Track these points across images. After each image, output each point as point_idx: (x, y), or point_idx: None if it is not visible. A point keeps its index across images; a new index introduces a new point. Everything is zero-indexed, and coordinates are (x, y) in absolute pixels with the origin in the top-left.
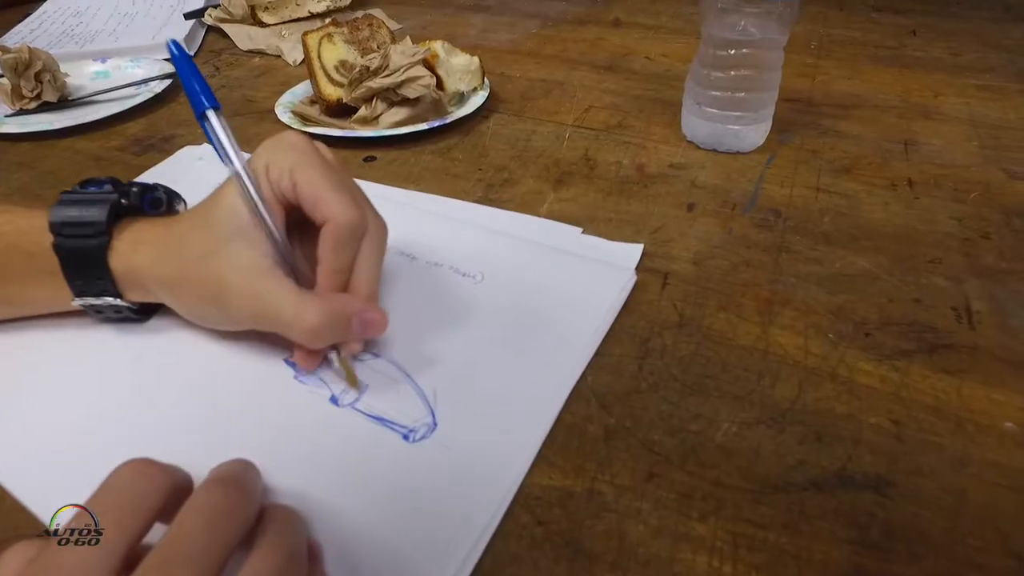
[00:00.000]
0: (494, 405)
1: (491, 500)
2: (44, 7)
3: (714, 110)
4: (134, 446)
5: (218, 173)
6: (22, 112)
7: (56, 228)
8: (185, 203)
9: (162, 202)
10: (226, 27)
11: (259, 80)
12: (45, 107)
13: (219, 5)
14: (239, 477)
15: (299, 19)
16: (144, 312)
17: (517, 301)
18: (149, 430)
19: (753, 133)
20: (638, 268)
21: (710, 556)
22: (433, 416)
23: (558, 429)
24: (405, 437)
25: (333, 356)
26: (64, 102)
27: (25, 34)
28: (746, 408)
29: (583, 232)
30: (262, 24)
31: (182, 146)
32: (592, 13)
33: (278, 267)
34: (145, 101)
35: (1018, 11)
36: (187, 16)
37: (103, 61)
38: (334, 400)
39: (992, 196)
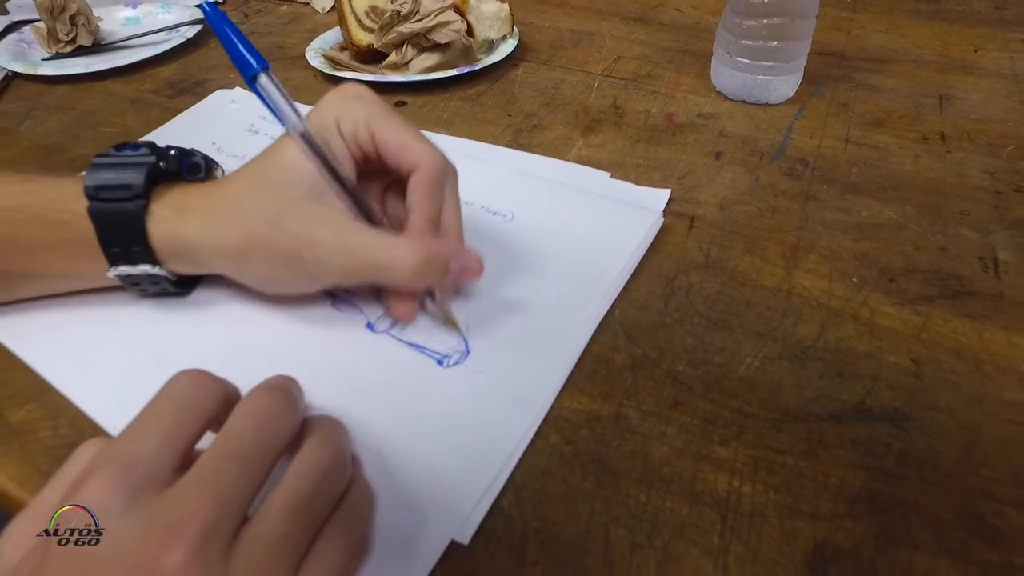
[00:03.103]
0: (525, 334)
1: (523, 420)
2: None
3: (745, 60)
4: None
5: (252, 115)
6: (58, 56)
7: (91, 192)
8: (223, 170)
9: (200, 168)
10: None
11: (288, 27)
12: (80, 51)
13: None
14: (284, 386)
15: None
16: (183, 285)
17: (547, 238)
18: (195, 351)
19: (783, 84)
20: (665, 212)
21: (731, 476)
22: (466, 344)
23: (586, 358)
24: (439, 362)
25: (429, 303)
26: (98, 46)
27: None
28: (769, 344)
29: (611, 176)
30: None
31: (214, 89)
32: None
33: (359, 220)
34: (177, 46)
35: None
36: None
37: (134, 7)
38: (370, 327)
39: None
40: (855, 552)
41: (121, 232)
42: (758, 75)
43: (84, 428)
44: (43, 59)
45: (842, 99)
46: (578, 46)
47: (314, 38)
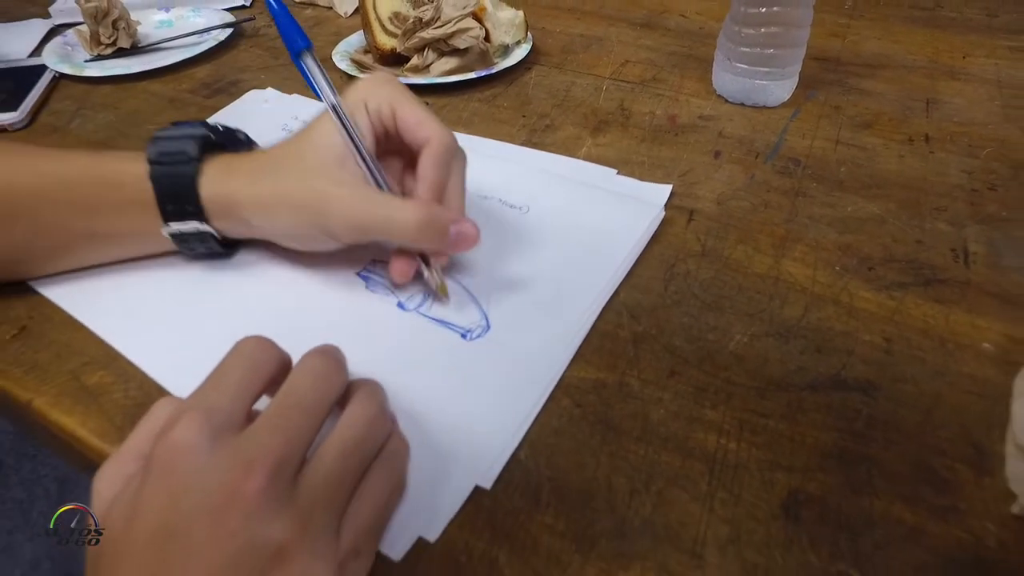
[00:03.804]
0: (539, 312)
1: (537, 385)
2: None
3: (744, 65)
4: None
5: (284, 114)
6: (99, 57)
7: (153, 158)
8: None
9: (243, 143)
10: None
11: (313, 31)
12: (119, 53)
13: None
14: (332, 351)
15: None
16: (227, 246)
17: (558, 229)
18: (245, 329)
19: (779, 88)
20: (667, 205)
21: (719, 435)
22: (487, 320)
23: (594, 334)
24: (463, 336)
25: (424, 268)
26: (136, 48)
27: None
28: (756, 324)
29: (618, 173)
30: None
31: (247, 90)
32: None
33: (373, 186)
34: (210, 48)
35: None
36: None
37: (166, 11)
38: (401, 306)
39: (1006, 152)
40: (823, 498)
41: (176, 191)
42: (756, 80)
43: (151, 390)
44: (86, 60)
45: (835, 102)
46: (588, 51)
47: (339, 41)
